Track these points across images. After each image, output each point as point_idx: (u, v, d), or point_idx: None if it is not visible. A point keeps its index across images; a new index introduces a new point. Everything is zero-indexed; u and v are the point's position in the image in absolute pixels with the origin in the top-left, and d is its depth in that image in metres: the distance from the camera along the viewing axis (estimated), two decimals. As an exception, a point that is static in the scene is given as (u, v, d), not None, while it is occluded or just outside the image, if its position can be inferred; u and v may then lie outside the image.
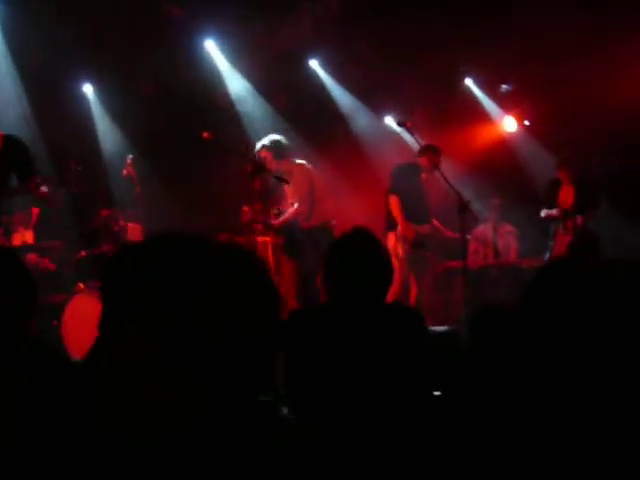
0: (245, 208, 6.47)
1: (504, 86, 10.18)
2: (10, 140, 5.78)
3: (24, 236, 6.74)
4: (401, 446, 2.47)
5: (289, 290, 6.53)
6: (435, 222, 7.45)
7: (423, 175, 7.17)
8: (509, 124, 10.36)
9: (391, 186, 7.06)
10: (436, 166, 6.55)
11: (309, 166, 6.81)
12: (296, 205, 6.52)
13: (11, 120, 7.89)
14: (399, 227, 6.90)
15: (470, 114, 10.03)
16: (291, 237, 6.54)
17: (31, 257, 6.23)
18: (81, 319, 5.85)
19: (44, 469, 1.30)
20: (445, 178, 5.83)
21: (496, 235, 9.03)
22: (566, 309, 2.30)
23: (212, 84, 9.14)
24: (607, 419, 1.68)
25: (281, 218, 6.59)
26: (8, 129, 6.11)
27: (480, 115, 10.28)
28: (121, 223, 6.78)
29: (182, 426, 1.13)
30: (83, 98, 9.08)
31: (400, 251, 6.88)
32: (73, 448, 1.33)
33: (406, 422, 2.54)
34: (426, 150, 6.98)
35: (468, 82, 10.24)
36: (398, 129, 8.73)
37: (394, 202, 6.93)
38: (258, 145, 6.63)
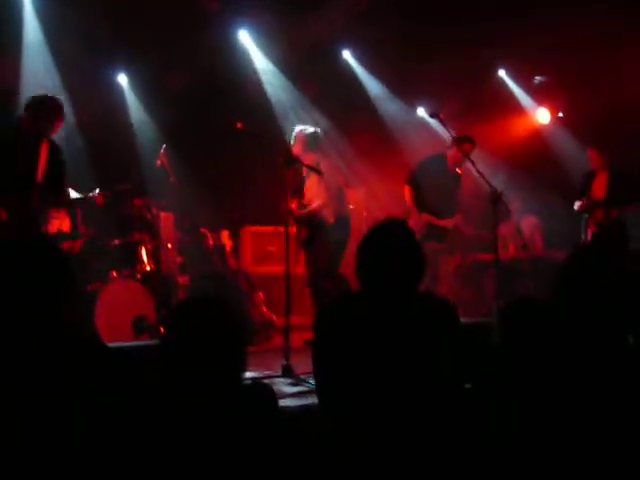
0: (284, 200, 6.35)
1: (538, 77, 10.09)
2: (53, 146, 5.68)
3: (61, 224, 6.82)
4: (431, 436, 2.48)
5: (305, 283, 6.47)
6: (458, 216, 7.32)
7: (452, 167, 7.11)
8: (542, 116, 10.28)
9: (407, 178, 7.20)
10: (467, 156, 6.38)
11: (334, 162, 6.68)
12: (320, 201, 6.36)
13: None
14: (410, 219, 6.84)
15: (503, 105, 9.96)
16: (314, 231, 6.40)
17: (66, 245, 6.30)
18: (114, 307, 5.91)
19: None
20: (477, 169, 5.78)
21: (522, 227, 8.96)
22: (582, 301, 2.30)
23: (245, 74, 9.16)
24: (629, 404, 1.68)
25: (307, 210, 6.40)
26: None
27: (513, 107, 10.20)
28: (154, 212, 6.84)
29: None
30: (118, 88, 9.16)
31: None
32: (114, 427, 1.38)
33: (436, 413, 2.55)
34: (455, 142, 6.80)
35: (501, 73, 10.17)
36: (430, 120, 8.69)
37: (407, 193, 7.15)
38: (292, 134, 6.56)
